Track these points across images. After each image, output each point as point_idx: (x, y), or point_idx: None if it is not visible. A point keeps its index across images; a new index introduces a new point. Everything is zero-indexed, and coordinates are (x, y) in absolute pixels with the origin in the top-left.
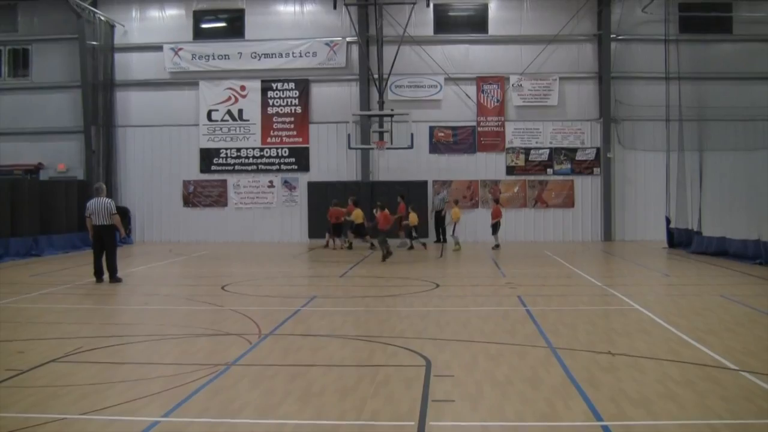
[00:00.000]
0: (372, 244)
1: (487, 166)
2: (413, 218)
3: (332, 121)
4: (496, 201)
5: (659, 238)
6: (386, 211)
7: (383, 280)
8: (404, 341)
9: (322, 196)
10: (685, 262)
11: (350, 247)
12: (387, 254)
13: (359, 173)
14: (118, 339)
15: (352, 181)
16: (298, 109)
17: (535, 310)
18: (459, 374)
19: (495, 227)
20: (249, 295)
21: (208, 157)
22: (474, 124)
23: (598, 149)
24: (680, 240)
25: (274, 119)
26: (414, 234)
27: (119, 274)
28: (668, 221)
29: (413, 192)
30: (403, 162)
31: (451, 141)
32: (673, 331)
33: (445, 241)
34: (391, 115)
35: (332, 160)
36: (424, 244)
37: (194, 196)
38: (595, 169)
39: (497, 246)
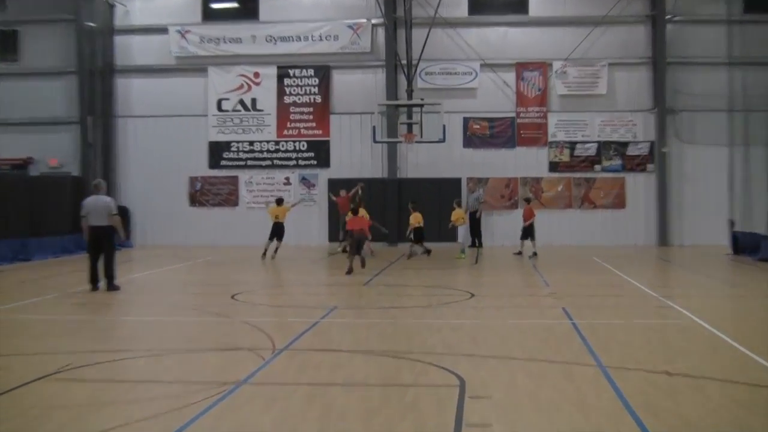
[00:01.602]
0: (426, 251)
1: (528, 161)
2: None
3: (355, 112)
4: (528, 200)
5: (722, 243)
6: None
7: (412, 289)
8: (435, 357)
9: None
10: (753, 270)
11: (344, 250)
12: (351, 268)
13: (385, 169)
14: (113, 354)
15: (377, 178)
16: (318, 99)
17: (582, 323)
18: (497, 395)
19: (527, 232)
20: (262, 305)
21: (217, 151)
22: (513, 115)
23: (652, 143)
24: (746, 245)
25: (291, 110)
26: (409, 236)
27: (117, 282)
28: (732, 224)
29: (445, 190)
30: (433, 157)
31: (488, 134)
32: (740, 349)
33: (480, 246)
34: (421, 105)
35: (355, 154)
36: (428, 251)
37: (202, 195)
38: (648, 166)
39: (534, 254)
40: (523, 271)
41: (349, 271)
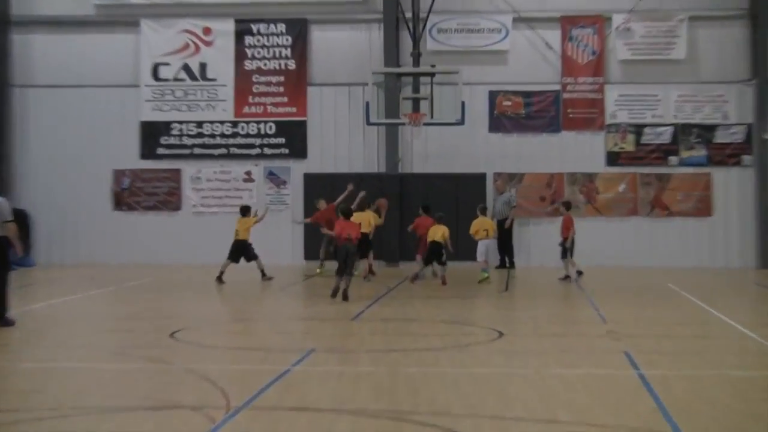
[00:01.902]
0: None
1: (578, 151)
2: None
3: (342, 83)
4: (567, 207)
5: None
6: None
7: (418, 325)
8: (450, 420)
9: (325, 195)
10: None
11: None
12: (338, 288)
13: (382, 162)
14: (3, 416)
15: (371, 173)
16: (291, 64)
17: (652, 375)
18: None
19: (566, 248)
20: (212, 347)
21: (152, 136)
22: (557, 87)
23: (749, 127)
24: None
25: (253, 79)
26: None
27: (10, 314)
28: None
29: (464, 191)
30: (449, 145)
31: (522, 114)
32: None
33: (512, 266)
34: (432, 75)
35: (342, 141)
36: (415, 276)
37: (131, 195)
38: (744, 158)
39: (579, 273)
40: (569, 302)
41: (334, 293)
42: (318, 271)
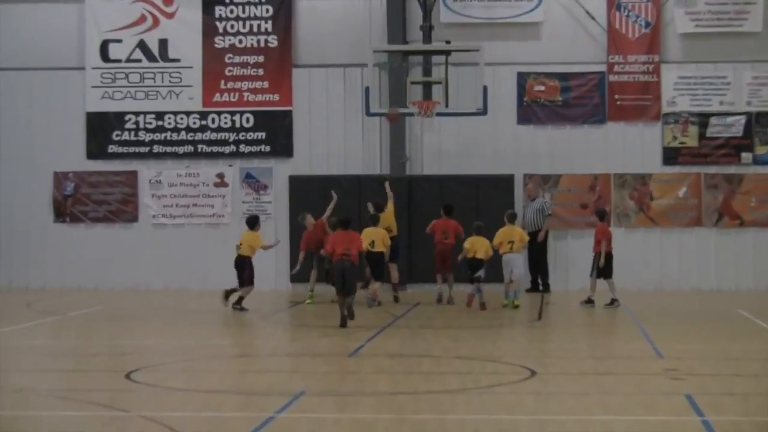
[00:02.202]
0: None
1: (627, 147)
2: (480, 245)
3: (336, 64)
4: (601, 216)
5: None
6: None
7: (431, 362)
8: None
9: (316, 203)
10: None
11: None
12: (347, 315)
13: (385, 161)
14: None
15: (372, 175)
16: (272, 41)
17: (720, 422)
18: None
19: (599, 265)
20: (177, 391)
21: (102, 130)
22: (602, 68)
23: None
24: None
25: (226, 59)
26: (479, 275)
27: None
28: None
29: (486, 196)
30: (468, 140)
31: (559, 101)
32: None
33: (546, 288)
34: (447, 53)
35: (335, 136)
36: (396, 297)
37: (76, 203)
38: None
39: (589, 302)
40: (617, 332)
41: (344, 322)
42: (308, 301)
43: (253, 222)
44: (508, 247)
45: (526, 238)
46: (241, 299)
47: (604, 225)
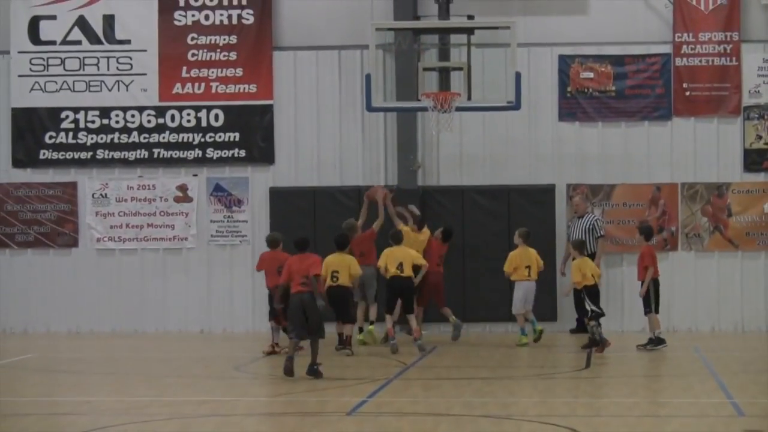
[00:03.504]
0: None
1: (699, 149)
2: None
3: (328, 46)
4: (647, 235)
5: None
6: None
7: (450, 424)
8: None
9: (303, 221)
10: None
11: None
12: (291, 361)
13: (392, 169)
14: None
15: (374, 186)
16: (247, 17)
17: None
18: None
19: (649, 300)
20: None
21: (31, 131)
22: (667, 50)
23: None
24: None
25: (189, 41)
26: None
27: None
28: None
29: (521, 213)
30: (496, 142)
31: (613, 91)
32: None
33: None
34: (469, 31)
35: (328, 137)
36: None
37: (2, 223)
38: None
39: (653, 341)
40: (685, 384)
41: (288, 370)
42: (360, 337)
43: (342, 243)
44: (525, 272)
45: (542, 262)
46: (349, 339)
47: (650, 246)
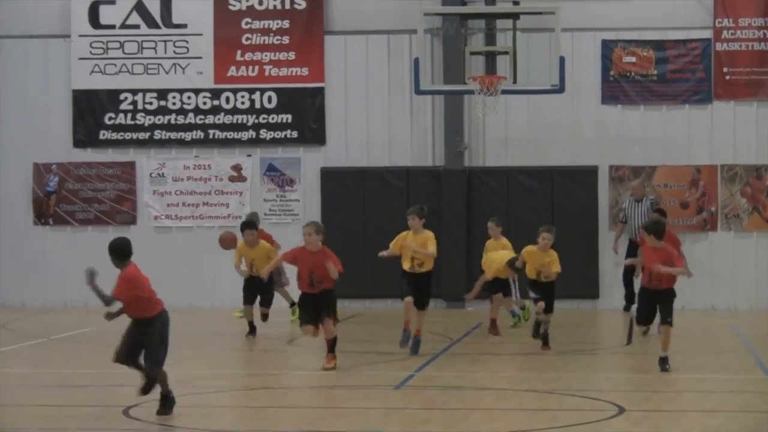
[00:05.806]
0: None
1: (739, 132)
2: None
3: (377, 30)
4: (658, 223)
5: None
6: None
7: (495, 397)
8: None
9: (354, 200)
10: None
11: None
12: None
13: (439, 151)
14: None
15: (422, 167)
16: (300, 2)
17: None
18: None
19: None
20: (185, 431)
21: (91, 112)
22: (708, 35)
23: None
24: None
25: (243, 25)
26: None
27: None
28: None
29: (565, 193)
30: (541, 124)
31: (654, 74)
32: None
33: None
34: (515, 17)
35: (377, 119)
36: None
37: (60, 201)
38: None
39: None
40: (724, 361)
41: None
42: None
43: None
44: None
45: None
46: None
47: (671, 229)
